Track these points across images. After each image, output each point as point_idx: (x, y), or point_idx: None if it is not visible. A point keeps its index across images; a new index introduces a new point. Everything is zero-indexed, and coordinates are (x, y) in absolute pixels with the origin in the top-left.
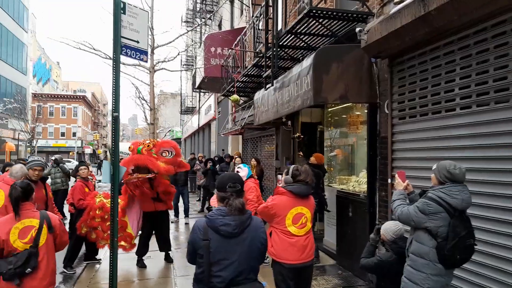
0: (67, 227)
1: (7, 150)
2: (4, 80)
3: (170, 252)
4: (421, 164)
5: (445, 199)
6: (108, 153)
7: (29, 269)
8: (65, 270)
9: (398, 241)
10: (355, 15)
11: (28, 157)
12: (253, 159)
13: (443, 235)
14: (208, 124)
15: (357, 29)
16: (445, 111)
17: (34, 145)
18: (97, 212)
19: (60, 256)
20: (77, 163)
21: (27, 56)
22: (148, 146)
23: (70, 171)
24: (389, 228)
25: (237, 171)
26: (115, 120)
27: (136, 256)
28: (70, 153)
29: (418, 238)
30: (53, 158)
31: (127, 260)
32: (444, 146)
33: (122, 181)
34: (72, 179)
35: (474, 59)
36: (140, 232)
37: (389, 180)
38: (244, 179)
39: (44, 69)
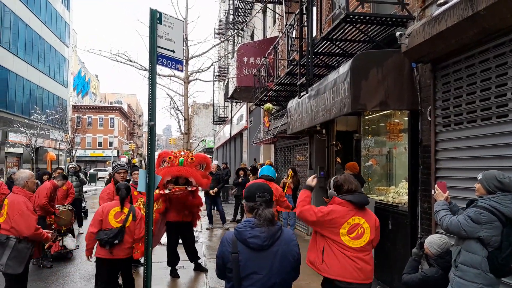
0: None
1: (48, 159)
2: (47, 93)
3: (200, 262)
4: (468, 174)
5: (498, 208)
6: (143, 162)
7: (116, 241)
8: None
9: (445, 255)
10: (394, 19)
11: (68, 165)
12: (290, 169)
13: (495, 244)
14: (240, 134)
15: (398, 33)
16: (496, 118)
17: (73, 154)
18: None
19: None
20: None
21: (68, 70)
22: (192, 159)
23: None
24: (434, 241)
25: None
26: (151, 129)
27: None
28: (107, 162)
29: (469, 248)
30: (71, 166)
31: (160, 270)
32: (495, 155)
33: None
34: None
35: None
36: (163, 242)
37: (433, 192)
38: None
39: (83, 82)
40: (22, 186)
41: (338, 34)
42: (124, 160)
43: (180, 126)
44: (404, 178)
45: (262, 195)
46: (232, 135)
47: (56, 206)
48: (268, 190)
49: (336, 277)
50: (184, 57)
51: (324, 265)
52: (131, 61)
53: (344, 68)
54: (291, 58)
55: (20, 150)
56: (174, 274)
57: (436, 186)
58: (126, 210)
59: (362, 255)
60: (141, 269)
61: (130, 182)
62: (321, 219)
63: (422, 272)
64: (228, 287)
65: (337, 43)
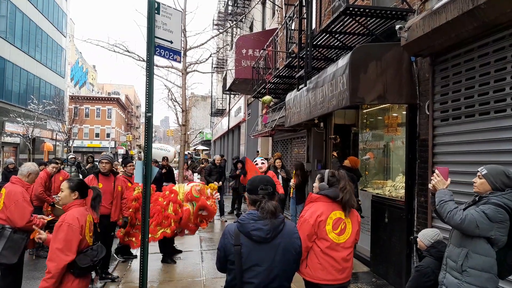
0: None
1: (45, 149)
2: (44, 83)
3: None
4: (465, 168)
5: (510, 206)
6: (142, 154)
7: None
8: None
9: (437, 245)
10: (394, 12)
11: (67, 155)
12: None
13: (502, 245)
14: (237, 126)
15: (397, 26)
16: (495, 112)
17: (70, 145)
18: (132, 203)
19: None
20: None
21: (66, 60)
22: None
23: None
24: (426, 234)
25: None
26: (149, 121)
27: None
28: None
29: (480, 250)
30: (70, 156)
31: (156, 261)
32: (492, 150)
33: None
34: None
35: None
36: None
37: (429, 186)
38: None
39: (81, 72)
40: (20, 176)
41: (337, 27)
42: (121, 151)
43: (177, 118)
44: (401, 172)
45: (264, 188)
46: (230, 127)
47: (53, 196)
48: (271, 183)
49: (319, 281)
50: (182, 48)
51: (308, 269)
52: (129, 52)
53: (343, 61)
54: (290, 51)
55: (17, 140)
56: (171, 261)
57: (436, 171)
58: None
59: (346, 254)
60: (135, 262)
61: (122, 174)
62: (315, 224)
63: (416, 267)
64: (229, 279)
65: (336, 36)
